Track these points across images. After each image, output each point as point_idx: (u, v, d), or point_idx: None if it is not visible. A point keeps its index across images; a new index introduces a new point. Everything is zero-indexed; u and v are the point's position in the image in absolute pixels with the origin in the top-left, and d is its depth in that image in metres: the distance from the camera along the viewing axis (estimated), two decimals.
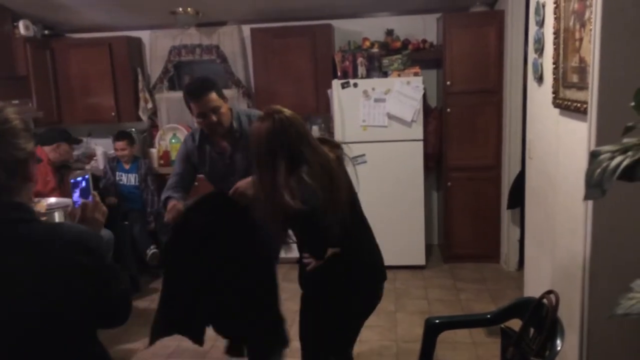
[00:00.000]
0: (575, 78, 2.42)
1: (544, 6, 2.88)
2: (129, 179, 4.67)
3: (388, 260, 4.62)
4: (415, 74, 4.52)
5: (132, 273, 4.58)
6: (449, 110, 4.66)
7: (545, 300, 2.05)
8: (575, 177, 2.35)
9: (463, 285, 4.44)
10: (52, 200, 3.60)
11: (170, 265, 2.71)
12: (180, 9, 4.72)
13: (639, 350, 2.16)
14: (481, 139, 4.67)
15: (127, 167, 4.67)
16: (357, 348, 3.45)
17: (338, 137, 4.62)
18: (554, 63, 2.68)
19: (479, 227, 4.80)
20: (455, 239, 4.86)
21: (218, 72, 5.28)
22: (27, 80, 4.79)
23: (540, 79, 3.00)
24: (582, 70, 2.33)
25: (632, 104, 1.22)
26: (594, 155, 1.21)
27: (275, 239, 2.29)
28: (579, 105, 2.33)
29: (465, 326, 2.97)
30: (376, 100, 4.52)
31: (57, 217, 3.15)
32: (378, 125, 4.55)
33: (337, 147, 2.32)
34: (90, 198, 1.68)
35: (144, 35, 5.33)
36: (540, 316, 2.05)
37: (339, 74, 4.64)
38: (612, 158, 1.16)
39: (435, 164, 4.93)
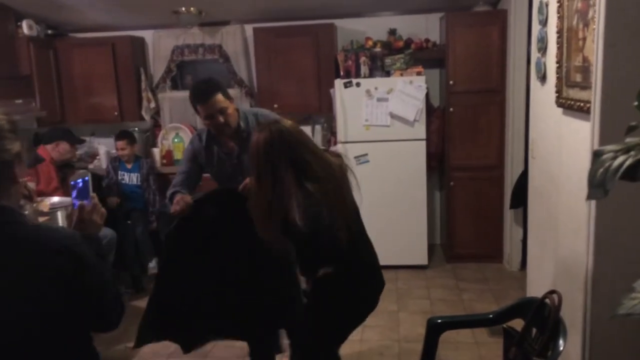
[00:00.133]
0: (578, 77, 2.42)
1: (547, 5, 2.87)
2: (130, 179, 4.68)
3: (390, 259, 4.68)
4: (418, 74, 4.52)
5: (134, 273, 4.59)
6: (451, 109, 4.65)
7: (547, 300, 2.05)
8: (578, 177, 2.35)
9: (465, 285, 4.43)
10: (55, 199, 3.61)
11: (169, 260, 2.64)
12: (183, 9, 4.73)
13: None
14: (484, 139, 4.67)
15: (129, 166, 4.68)
16: (359, 347, 3.47)
17: (341, 136, 4.62)
18: (557, 62, 2.67)
19: (481, 227, 4.79)
20: (457, 238, 4.86)
21: (221, 71, 5.29)
22: (30, 79, 4.80)
23: (543, 79, 2.99)
24: (585, 69, 2.32)
25: (635, 103, 1.22)
26: (596, 155, 1.20)
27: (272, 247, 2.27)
28: (582, 104, 2.33)
29: (467, 326, 2.97)
30: (379, 100, 4.51)
31: (60, 216, 3.16)
32: (380, 125, 4.55)
33: (337, 156, 2.32)
34: (87, 201, 1.66)
35: (147, 34, 5.34)
36: (543, 316, 2.05)
37: (341, 73, 4.64)
38: (614, 158, 1.15)
39: (437, 163, 4.93)
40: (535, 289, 3.13)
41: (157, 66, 5.32)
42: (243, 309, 2.59)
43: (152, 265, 4.80)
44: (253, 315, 2.62)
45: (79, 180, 1.74)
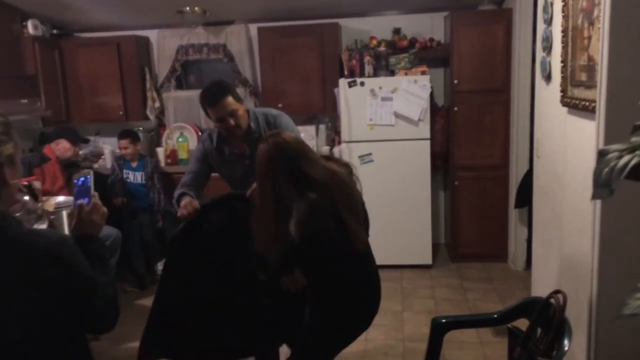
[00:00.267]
0: (583, 76, 2.41)
1: (552, 4, 2.86)
2: (135, 177, 4.69)
3: (395, 259, 4.68)
4: (423, 73, 4.51)
5: (139, 272, 4.61)
6: (456, 109, 4.64)
7: (552, 300, 2.04)
8: (583, 176, 2.34)
9: (470, 284, 4.43)
10: (61, 199, 3.62)
11: (174, 264, 2.60)
12: (188, 8, 4.74)
13: None
14: (489, 138, 4.66)
15: (134, 165, 4.70)
16: (364, 347, 3.47)
17: (345, 136, 4.62)
18: (562, 61, 2.66)
19: (486, 226, 4.78)
20: (462, 238, 4.85)
21: (225, 71, 5.29)
22: (35, 79, 4.82)
23: (548, 78, 2.99)
24: (590, 68, 2.31)
25: None
26: (601, 154, 1.20)
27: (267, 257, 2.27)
28: (587, 103, 2.32)
29: (472, 326, 2.96)
30: (383, 99, 4.51)
31: (65, 215, 3.16)
32: (385, 124, 4.54)
33: (345, 165, 2.32)
34: (87, 200, 1.64)
35: (152, 34, 5.35)
36: (548, 316, 2.04)
37: (346, 72, 4.64)
38: (620, 157, 1.15)
39: (442, 162, 4.92)
40: (540, 288, 3.12)
41: (162, 66, 5.33)
42: (249, 318, 2.55)
43: (160, 267, 4.82)
44: (258, 325, 2.57)
45: (80, 179, 1.73)
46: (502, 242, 4.80)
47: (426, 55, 4.77)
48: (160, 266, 4.77)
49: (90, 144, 5.26)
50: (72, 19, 5.12)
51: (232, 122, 2.66)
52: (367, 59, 4.58)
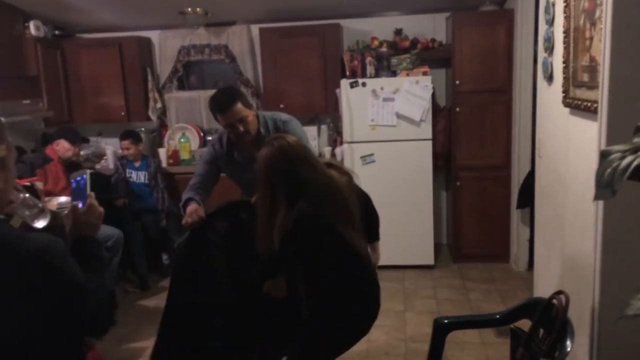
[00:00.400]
0: (585, 77, 2.41)
1: (553, 5, 2.86)
2: (138, 177, 4.70)
3: (397, 259, 4.68)
4: (424, 74, 4.51)
5: (141, 272, 4.61)
6: (458, 109, 4.64)
7: (555, 301, 2.04)
8: (585, 177, 2.34)
9: (472, 285, 4.42)
10: (63, 199, 3.63)
11: (181, 272, 2.59)
12: (190, 9, 4.75)
13: None
14: (490, 139, 4.65)
15: (137, 164, 4.71)
16: (366, 347, 3.47)
17: (346, 136, 4.62)
18: (564, 62, 2.66)
19: (488, 227, 4.78)
20: (464, 238, 4.85)
21: (227, 72, 5.30)
22: (37, 80, 4.83)
23: (550, 78, 2.98)
24: (592, 69, 2.31)
25: None
26: (604, 155, 1.20)
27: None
28: (589, 104, 2.32)
29: (474, 326, 2.96)
30: (385, 100, 4.51)
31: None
32: (387, 125, 4.54)
33: (346, 174, 2.33)
34: (81, 204, 1.63)
35: (154, 35, 5.36)
36: (550, 317, 2.04)
37: (347, 73, 4.64)
38: (622, 158, 1.15)
39: (444, 163, 4.92)
40: (543, 289, 3.12)
41: (164, 66, 5.34)
42: (257, 324, 2.56)
43: (165, 257, 4.90)
44: (267, 331, 2.57)
45: (79, 179, 1.71)
46: (504, 243, 4.80)
47: (428, 56, 4.77)
48: (165, 256, 4.81)
49: (92, 145, 5.28)
50: (74, 19, 5.13)
51: (241, 128, 2.69)
52: (368, 59, 4.58)
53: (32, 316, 1.34)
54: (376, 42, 4.87)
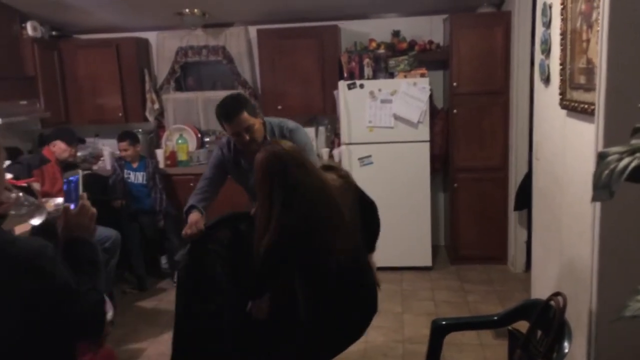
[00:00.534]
0: (582, 79, 2.41)
1: (550, 7, 2.87)
2: (136, 178, 4.69)
3: (395, 261, 4.68)
4: (422, 75, 4.52)
5: (139, 273, 4.61)
6: (455, 111, 4.65)
7: (552, 302, 2.05)
8: (582, 179, 2.35)
9: (470, 286, 4.43)
10: (60, 200, 3.62)
11: (186, 286, 2.58)
12: (187, 10, 4.74)
13: None
14: (488, 140, 4.66)
15: (135, 165, 4.70)
16: (364, 347, 3.47)
17: (344, 138, 4.62)
18: (561, 64, 2.67)
19: (485, 229, 4.78)
20: (462, 240, 4.85)
21: (224, 73, 5.30)
22: (34, 80, 4.82)
23: (547, 80, 2.99)
24: (589, 71, 2.32)
25: None
26: (601, 157, 1.20)
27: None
28: (586, 106, 2.32)
29: (472, 328, 2.96)
30: (382, 101, 4.51)
31: None
32: (384, 127, 4.55)
33: (344, 177, 2.32)
34: (73, 205, 1.61)
35: (151, 36, 5.36)
36: (548, 318, 2.04)
37: (345, 75, 4.64)
38: (620, 159, 1.15)
39: (441, 165, 4.93)
40: (540, 290, 3.12)
41: (161, 67, 5.33)
42: (262, 333, 2.55)
43: (164, 262, 4.86)
44: (272, 340, 2.57)
45: (69, 179, 1.69)
46: (502, 244, 4.81)
47: (425, 58, 4.78)
48: (164, 260, 4.78)
49: (89, 146, 5.26)
50: (72, 20, 5.13)
51: (247, 137, 2.69)
52: (366, 61, 4.59)
53: (22, 320, 1.34)
54: (374, 44, 4.87)
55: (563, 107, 2.66)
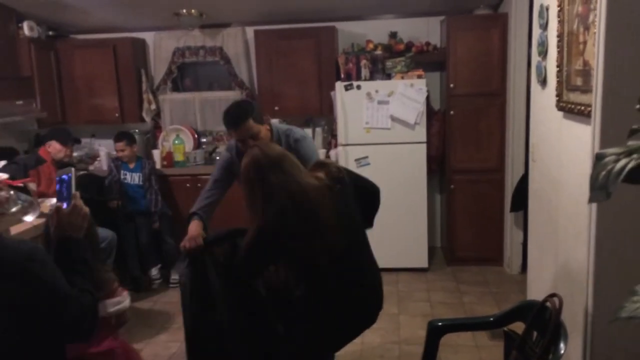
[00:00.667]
0: (579, 81, 2.42)
1: (547, 9, 2.87)
2: (133, 178, 4.68)
3: (391, 262, 4.68)
4: (419, 77, 4.53)
5: (135, 274, 4.59)
6: (452, 112, 4.66)
7: (548, 304, 2.05)
8: (579, 181, 2.35)
9: (466, 288, 4.43)
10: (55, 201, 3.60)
11: (190, 301, 2.55)
12: (184, 11, 4.74)
13: None
14: (484, 142, 4.67)
15: (131, 166, 4.69)
16: (359, 349, 3.46)
17: (341, 139, 4.62)
18: (557, 66, 2.67)
19: (482, 230, 4.79)
20: (458, 241, 4.86)
21: (221, 73, 5.30)
22: (31, 80, 4.80)
23: (543, 82, 3.00)
24: (586, 73, 2.32)
25: (638, 106, 1.22)
26: (599, 158, 1.20)
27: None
28: (582, 108, 2.33)
29: (468, 329, 2.96)
30: (379, 103, 4.52)
31: None
32: (381, 128, 4.55)
33: (335, 173, 2.27)
34: (65, 204, 1.60)
35: (148, 36, 5.35)
36: (544, 319, 2.04)
37: (342, 76, 4.65)
38: (617, 160, 1.15)
39: (438, 166, 4.93)
40: (536, 292, 3.12)
41: (158, 68, 5.33)
42: (265, 346, 2.53)
43: (155, 272, 4.69)
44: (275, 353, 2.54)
45: (61, 177, 1.66)
46: (498, 246, 4.81)
47: (422, 59, 4.79)
48: (155, 271, 4.69)
49: (85, 146, 5.25)
50: (68, 20, 5.12)
51: (252, 144, 2.68)
52: (363, 62, 4.59)
53: (12, 322, 1.33)
54: (371, 45, 4.88)
55: (560, 108, 2.66)
